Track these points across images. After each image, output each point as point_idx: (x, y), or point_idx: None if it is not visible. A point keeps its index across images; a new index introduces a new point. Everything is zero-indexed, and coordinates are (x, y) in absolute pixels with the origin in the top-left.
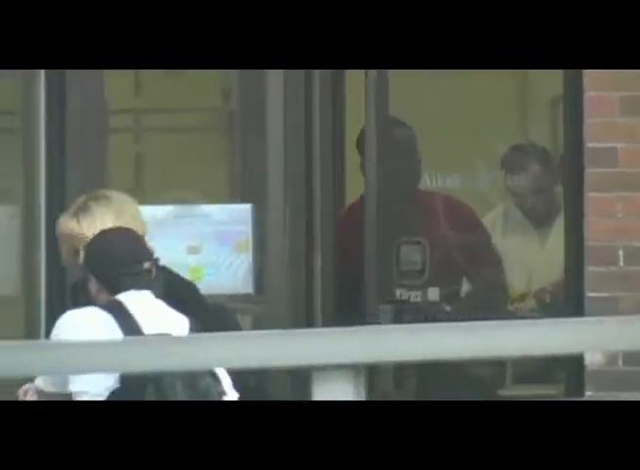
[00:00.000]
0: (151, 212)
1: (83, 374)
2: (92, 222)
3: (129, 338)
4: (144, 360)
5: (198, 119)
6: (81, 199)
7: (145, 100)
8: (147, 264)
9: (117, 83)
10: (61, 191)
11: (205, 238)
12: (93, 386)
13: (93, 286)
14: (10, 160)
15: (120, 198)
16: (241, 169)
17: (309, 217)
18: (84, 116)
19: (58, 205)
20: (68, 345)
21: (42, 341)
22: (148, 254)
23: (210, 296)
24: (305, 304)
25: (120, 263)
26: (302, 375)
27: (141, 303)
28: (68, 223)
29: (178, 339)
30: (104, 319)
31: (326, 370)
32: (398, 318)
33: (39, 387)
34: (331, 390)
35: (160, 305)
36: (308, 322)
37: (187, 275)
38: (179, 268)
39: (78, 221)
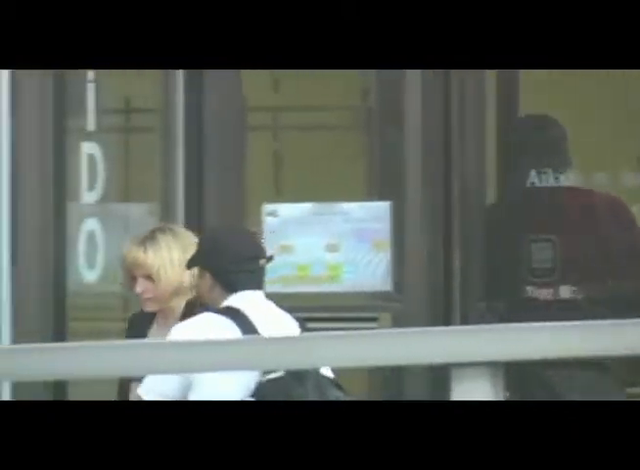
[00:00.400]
0: (290, 211)
1: (205, 373)
2: (158, 250)
3: (261, 337)
4: (279, 358)
5: (336, 117)
6: (149, 230)
7: (283, 98)
8: (262, 262)
9: (255, 81)
10: (199, 188)
11: (344, 236)
12: (218, 397)
13: (206, 283)
14: (149, 158)
15: (185, 233)
16: (379, 167)
17: (448, 215)
18: (222, 113)
19: (196, 202)
20: (190, 343)
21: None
22: (263, 252)
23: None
24: (444, 302)
25: (239, 260)
26: (441, 373)
27: (255, 304)
28: (133, 251)
29: (313, 336)
30: (224, 324)
31: (464, 368)
32: (534, 317)
33: (141, 395)
34: (469, 388)
35: (272, 306)
36: (446, 320)
37: (326, 272)
38: (318, 266)
39: (145, 250)
